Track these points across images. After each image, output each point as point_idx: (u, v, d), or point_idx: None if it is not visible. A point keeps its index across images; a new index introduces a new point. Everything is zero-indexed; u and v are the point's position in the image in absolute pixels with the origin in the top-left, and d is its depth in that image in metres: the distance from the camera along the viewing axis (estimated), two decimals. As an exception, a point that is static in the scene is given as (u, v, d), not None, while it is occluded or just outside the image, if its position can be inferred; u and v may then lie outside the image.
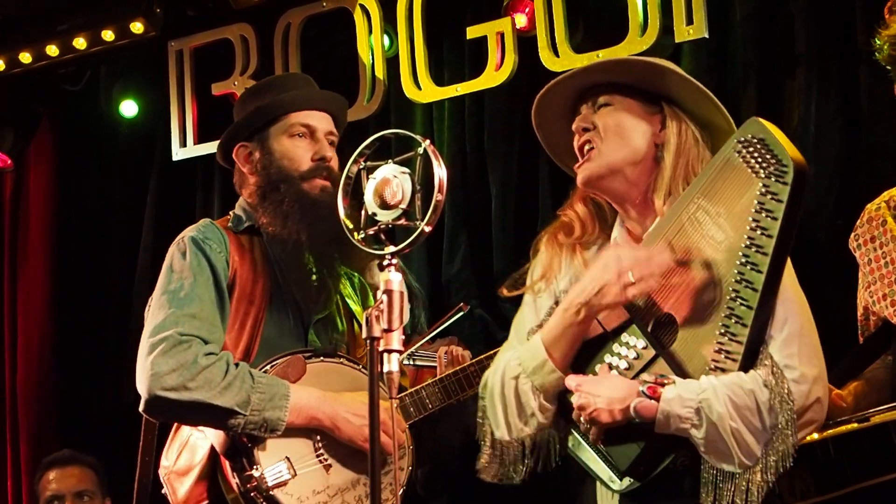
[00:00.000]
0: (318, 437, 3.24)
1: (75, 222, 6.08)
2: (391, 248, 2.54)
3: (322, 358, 3.33)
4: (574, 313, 2.78)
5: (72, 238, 6.08)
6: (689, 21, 4.45)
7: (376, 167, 2.61)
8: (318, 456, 3.24)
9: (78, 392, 5.92)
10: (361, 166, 2.63)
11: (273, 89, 3.57)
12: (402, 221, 2.55)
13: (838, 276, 3.83)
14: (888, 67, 3.34)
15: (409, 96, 5.02)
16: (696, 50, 4.56)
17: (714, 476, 2.65)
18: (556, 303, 2.91)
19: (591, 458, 2.83)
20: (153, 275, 5.62)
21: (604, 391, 2.71)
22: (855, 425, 3.00)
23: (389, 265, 2.53)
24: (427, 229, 2.51)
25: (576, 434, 2.85)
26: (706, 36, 4.44)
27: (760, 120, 2.74)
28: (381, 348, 2.48)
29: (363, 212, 2.61)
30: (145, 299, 5.56)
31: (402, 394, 3.43)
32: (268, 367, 3.27)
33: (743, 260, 2.66)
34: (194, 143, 5.49)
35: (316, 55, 5.31)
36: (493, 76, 4.83)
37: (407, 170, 2.57)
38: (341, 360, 3.35)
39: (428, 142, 2.55)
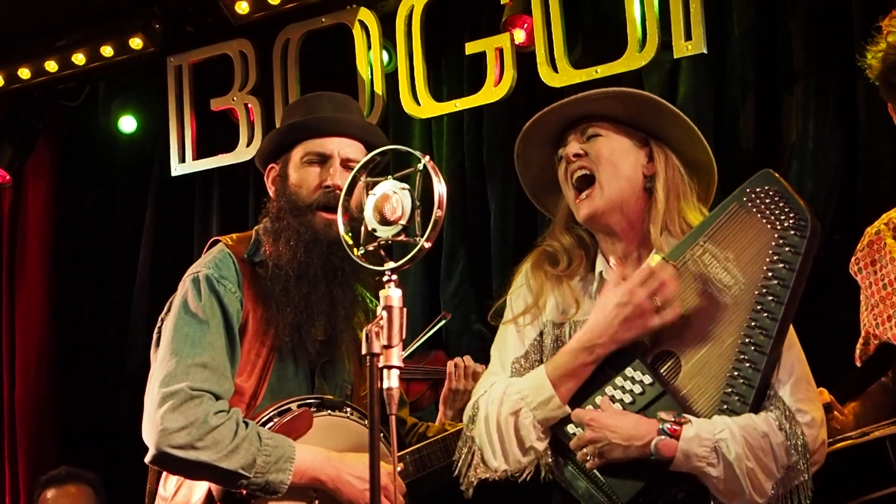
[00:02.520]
0: (315, 496, 3.20)
1: (73, 238, 6.09)
2: (390, 265, 2.52)
3: (329, 411, 3.27)
4: (588, 352, 2.79)
5: (70, 254, 6.08)
6: (688, 36, 4.45)
7: (376, 183, 2.59)
8: None
9: (76, 407, 5.92)
10: (361, 181, 2.62)
11: (304, 108, 3.49)
12: (402, 237, 2.53)
13: (836, 291, 3.83)
14: (877, 83, 3.35)
15: (407, 112, 5.02)
16: (694, 66, 4.57)
17: None
18: (541, 333, 2.93)
19: (584, 489, 2.83)
20: (151, 290, 5.70)
21: (622, 428, 2.71)
22: (851, 441, 3.04)
23: (389, 281, 2.51)
24: (427, 245, 2.49)
25: (568, 464, 2.85)
26: (705, 51, 4.45)
27: (774, 173, 2.80)
28: (380, 364, 2.46)
29: (363, 228, 2.59)
30: (143, 315, 5.66)
31: (404, 451, 3.41)
32: (276, 416, 3.22)
33: (757, 307, 2.72)
34: (193, 159, 5.49)
35: (315, 71, 5.32)
36: (492, 92, 4.83)
37: (407, 186, 2.56)
38: (349, 413, 3.30)
39: (428, 157, 2.54)
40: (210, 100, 5.45)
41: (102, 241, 6.01)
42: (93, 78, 5.79)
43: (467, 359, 3.99)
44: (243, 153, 5.34)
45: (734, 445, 2.64)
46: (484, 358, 4.37)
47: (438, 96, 5.04)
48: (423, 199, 2.53)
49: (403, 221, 2.53)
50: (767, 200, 2.77)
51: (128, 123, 5.81)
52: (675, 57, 4.52)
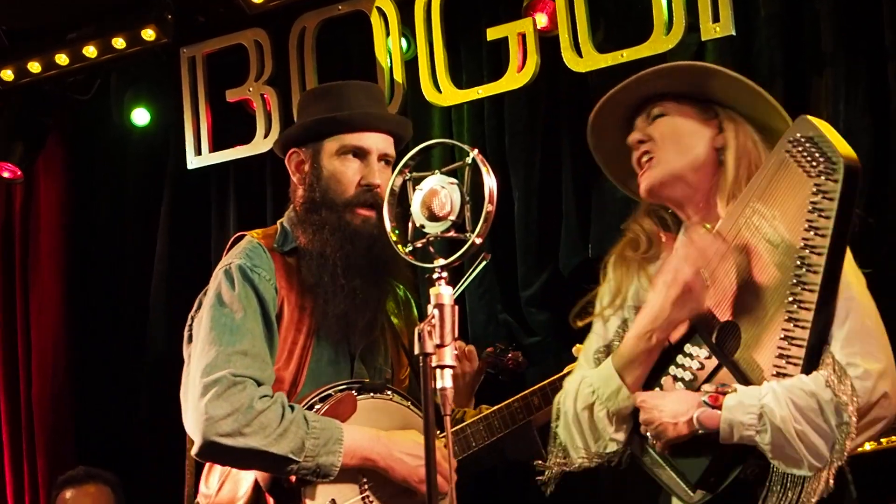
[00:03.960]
0: (365, 480, 3.17)
1: (88, 234, 6.02)
2: (441, 261, 2.46)
3: (372, 394, 3.25)
4: (647, 339, 2.76)
5: (84, 251, 6.02)
6: (716, 18, 4.38)
7: (422, 178, 2.54)
8: (363, 498, 3.17)
9: (94, 405, 5.87)
10: (407, 177, 2.56)
11: (336, 98, 3.42)
12: (452, 233, 2.48)
13: (869, 276, 3.78)
14: None
15: (429, 100, 4.95)
16: (720, 49, 4.50)
17: (784, 480, 2.61)
18: (625, 321, 2.91)
19: (665, 474, 2.79)
20: (169, 286, 5.65)
21: (667, 405, 2.69)
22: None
23: (440, 279, 2.46)
24: (478, 241, 2.45)
25: (650, 450, 2.82)
26: (733, 33, 4.38)
27: (809, 118, 2.70)
28: (433, 364, 2.41)
29: (410, 224, 2.53)
30: (161, 310, 5.62)
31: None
32: (318, 403, 3.19)
33: (799, 262, 2.62)
34: (210, 151, 5.42)
35: (332, 59, 5.25)
36: (515, 78, 4.77)
37: (455, 180, 2.50)
38: (391, 396, 3.28)
39: (476, 151, 2.49)
40: (225, 91, 5.38)
41: (117, 237, 5.94)
42: (104, 71, 5.71)
43: (460, 343, 3.95)
44: (261, 145, 5.27)
45: (778, 409, 2.56)
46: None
47: (458, 84, 4.97)
48: (472, 193, 2.48)
49: (453, 217, 2.48)
50: (801, 149, 2.65)
51: (141, 116, 5.73)
52: (702, 39, 4.45)
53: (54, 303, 5.92)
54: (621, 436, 2.80)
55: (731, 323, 2.73)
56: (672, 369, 2.76)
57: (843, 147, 2.62)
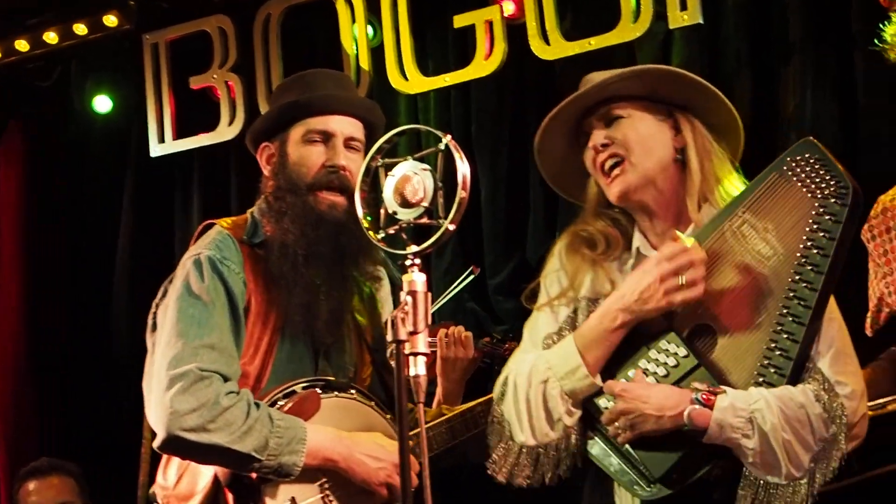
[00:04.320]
0: (325, 479, 3.14)
1: (48, 224, 5.93)
2: (413, 248, 2.43)
3: (336, 393, 3.20)
4: (611, 319, 2.73)
5: (45, 241, 5.93)
6: (683, 7, 4.40)
7: (395, 164, 2.50)
8: (323, 497, 3.14)
9: (55, 397, 5.80)
10: (379, 163, 2.53)
11: (301, 86, 3.38)
12: (425, 220, 2.44)
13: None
14: None
15: (395, 87, 4.93)
16: (687, 37, 4.51)
17: (756, 485, 2.62)
18: (575, 311, 2.87)
19: (614, 464, 2.77)
20: (132, 275, 5.59)
21: (653, 398, 2.65)
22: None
23: (412, 265, 2.43)
24: (451, 227, 2.41)
25: (598, 439, 2.79)
26: (701, 21, 4.39)
27: (815, 141, 2.74)
28: (406, 351, 2.38)
29: (382, 210, 2.50)
30: (125, 301, 5.56)
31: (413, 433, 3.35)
32: (282, 399, 3.15)
33: (796, 277, 2.65)
34: (173, 139, 5.39)
35: (298, 46, 5.22)
36: (482, 65, 4.76)
37: (427, 166, 2.47)
38: (355, 395, 3.24)
39: (449, 137, 2.45)
40: (189, 78, 5.34)
41: (78, 226, 5.87)
42: (65, 57, 5.66)
43: (460, 328, 3.92)
44: (225, 132, 5.24)
45: (770, 416, 2.57)
46: (478, 336, 4.34)
47: (424, 71, 4.96)
48: (446, 179, 2.45)
49: (426, 203, 2.43)
50: (808, 169, 2.69)
51: (102, 104, 5.68)
52: (670, 27, 4.46)
53: (14, 294, 5.85)
54: (571, 420, 2.75)
55: (705, 324, 2.73)
56: (643, 362, 2.74)
57: (848, 174, 2.68)
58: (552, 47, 4.62)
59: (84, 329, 5.78)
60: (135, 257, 5.62)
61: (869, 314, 3.50)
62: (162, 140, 5.40)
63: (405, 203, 2.46)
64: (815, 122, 4.27)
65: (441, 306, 4.84)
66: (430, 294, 2.43)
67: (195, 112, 5.42)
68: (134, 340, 5.41)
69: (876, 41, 3.46)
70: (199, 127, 5.37)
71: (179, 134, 5.38)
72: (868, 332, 3.49)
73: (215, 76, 5.27)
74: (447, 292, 3.93)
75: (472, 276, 3.96)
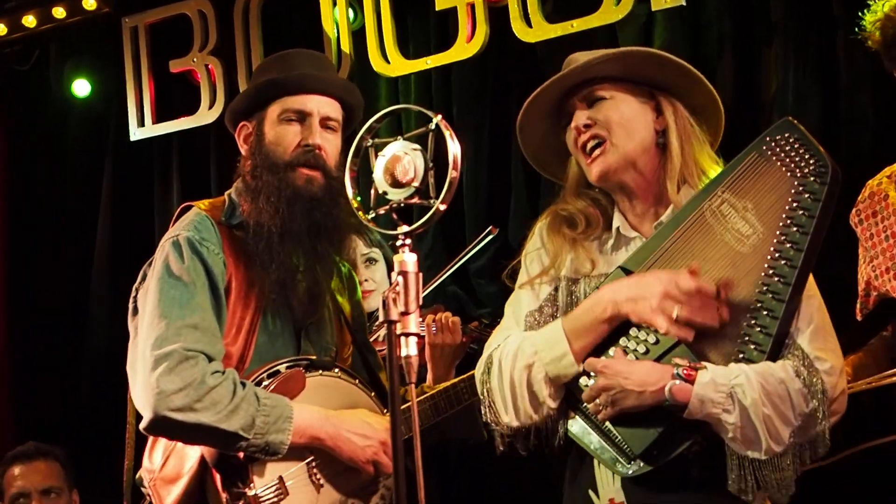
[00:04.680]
0: (312, 458, 3.15)
1: (27, 208, 5.90)
2: (404, 228, 2.43)
3: (320, 371, 3.22)
4: (602, 310, 2.75)
5: (23, 225, 5.91)
6: (666, -12, 4.39)
7: (385, 144, 2.50)
8: (310, 476, 3.14)
9: (34, 381, 5.78)
10: (369, 143, 2.52)
11: (280, 66, 3.39)
12: (416, 200, 2.44)
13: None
14: (881, 51, 3.34)
15: (377, 70, 4.92)
16: (669, 19, 4.51)
17: (741, 462, 2.65)
18: (556, 289, 2.89)
19: (595, 442, 2.79)
20: (111, 261, 5.57)
21: (635, 374, 2.68)
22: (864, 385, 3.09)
23: (403, 245, 2.42)
24: (442, 207, 2.41)
25: (579, 418, 2.82)
26: (683, 3, 4.39)
27: (794, 121, 2.78)
28: (397, 332, 2.38)
29: (373, 191, 2.50)
30: (104, 287, 5.54)
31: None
32: (267, 379, 3.16)
33: (776, 255, 2.68)
34: (153, 123, 5.37)
35: (278, 29, 5.20)
36: (464, 48, 4.75)
37: (418, 146, 2.47)
38: (339, 373, 3.26)
39: (440, 117, 2.45)
40: (169, 61, 5.31)
41: (57, 211, 5.83)
42: (44, 40, 5.63)
43: (448, 314, 3.92)
44: (205, 116, 5.22)
45: (750, 391, 2.60)
46: (461, 319, 4.34)
47: (405, 54, 4.95)
48: (436, 159, 2.44)
49: (416, 183, 2.43)
50: (787, 148, 2.73)
51: (82, 87, 5.64)
52: (653, 9, 4.46)
53: (-8, 277, 5.82)
54: (554, 403, 2.78)
55: None
56: (623, 340, 2.76)
57: (827, 154, 2.72)
58: (534, 30, 4.62)
59: (63, 313, 5.75)
60: (114, 241, 5.59)
61: (858, 299, 3.52)
62: (142, 124, 5.38)
63: (395, 183, 2.46)
64: (797, 103, 4.28)
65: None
66: (420, 275, 2.44)
67: (175, 96, 5.39)
68: (114, 325, 5.43)
69: (857, 29, 3.46)
70: (179, 111, 5.35)
71: (159, 118, 5.37)
72: (858, 316, 3.51)
73: (195, 60, 5.24)
74: (464, 253, 3.90)
75: (490, 237, 3.93)
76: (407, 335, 2.38)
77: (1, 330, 5.83)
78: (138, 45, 5.37)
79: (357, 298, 3.52)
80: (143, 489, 3.29)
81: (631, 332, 2.76)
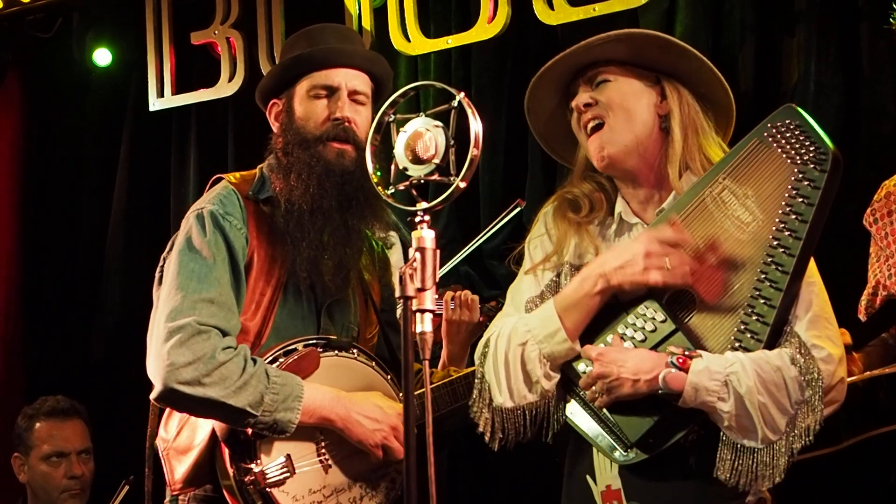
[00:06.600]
0: (322, 438, 3.15)
1: (44, 174, 5.93)
2: (423, 205, 2.43)
3: (336, 352, 3.21)
4: (591, 284, 2.74)
5: (41, 191, 5.94)
6: (688, -26, 4.38)
7: (407, 120, 2.50)
8: (319, 455, 3.15)
9: (45, 342, 5.83)
10: (391, 119, 2.53)
11: (306, 41, 3.38)
12: (436, 177, 2.44)
13: (833, 239, 3.81)
14: None
15: (397, 48, 4.91)
16: (692, 5, 4.50)
17: (735, 449, 2.63)
18: (559, 275, 2.89)
19: (592, 428, 2.79)
20: (126, 229, 5.59)
21: (629, 361, 2.67)
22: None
23: (422, 222, 2.42)
24: (462, 185, 2.41)
25: (576, 403, 2.81)
26: (706, -11, 4.38)
27: (796, 107, 2.73)
28: (413, 308, 2.38)
29: (393, 166, 2.50)
30: (119, 254, 5.56)
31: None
32: (282, 357, 3.16)
33: (774, 243, 2.66)
34: (172, 94, 5.38)
35: (300, 4, 5.19)
36: (485, 29, 4.74)
37: (440, 123, 2.46)
38: (356, 354, 3.25)
39: (463, 94, 2.45)
40: (190, 33, 5.31)
41: (74, 178, 5.86)
42: (66, 9, 5.64)
43: (467, 292, 3.92)
44: (225, 88, 5.22)
45: (745, 379, 2.58)
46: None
47: (426, 33, 4.94)
48: (458, 137, 2.45)
49: (437, 160, 2.43)
50: (788, 135, 2.69)
51: (102, 56, 5.66)
52: (674, -4, 4.45)
53: (7, 245, 5.84)
54: (549, 384, 2.77)
55: (684, 291, 2.74)
56: (621, 328, 2.75)
57: (829, 140, 2.68)
58: (556, 12, 4.61)
59: (77, 280, 5.77)
60: (130, 209, 5.62)
61: (864, 297, 3.51)
62: (161, 94, 5.39)
63: (416, 159, 2.46)
64: (818, 93, 4.27)
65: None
66: (438, 252, 2.44)
67: (195, 68, 5.40)
68: (127, 292, 5.46)
69: (892, 20, 3.44)
70: (199, 82, 5.36)
71: (179, 89, 5.37)
72: (861, 315, 3.50)
73: (216, 32, 5.24)
74: (492, 226, 3.89)
75: (518, 209, 3.92)
76: (422, 311, 2.39)
77: (16, 296, 5.85)
78: (160, 15, 5.38)
79: (387, 279, 3.51)
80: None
81: (629, 318, 2.75)
